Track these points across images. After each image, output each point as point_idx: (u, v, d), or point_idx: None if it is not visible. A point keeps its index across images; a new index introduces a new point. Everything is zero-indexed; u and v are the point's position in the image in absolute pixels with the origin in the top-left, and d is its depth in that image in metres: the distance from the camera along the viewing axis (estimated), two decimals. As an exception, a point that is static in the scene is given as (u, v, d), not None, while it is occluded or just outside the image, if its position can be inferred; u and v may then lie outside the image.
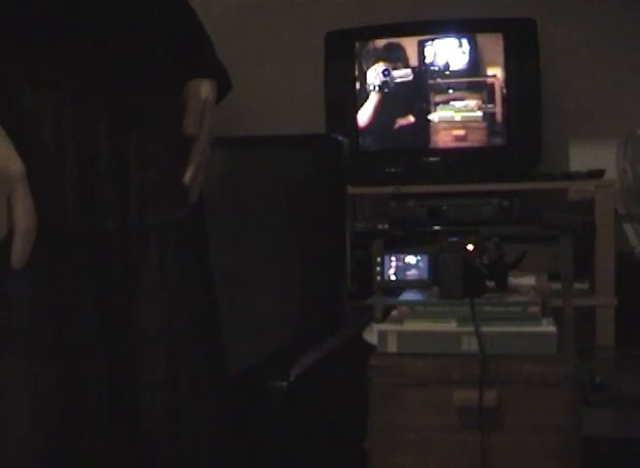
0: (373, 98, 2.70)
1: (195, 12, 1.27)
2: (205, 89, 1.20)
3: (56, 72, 1.03)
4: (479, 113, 2.63)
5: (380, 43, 2.69)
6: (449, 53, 2.65)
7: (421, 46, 2.66)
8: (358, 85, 2.69)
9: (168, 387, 1.10)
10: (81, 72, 1.04)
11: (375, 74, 2.69)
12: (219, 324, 1.21)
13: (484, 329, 1.56)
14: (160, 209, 1.11)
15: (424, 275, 1.62)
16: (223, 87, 1.26)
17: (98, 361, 1.05)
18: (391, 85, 2.69)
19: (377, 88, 2.69)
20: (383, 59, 2.68)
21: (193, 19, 1.26)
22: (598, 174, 2.56)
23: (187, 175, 1.15)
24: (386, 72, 2.68)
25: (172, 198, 1.13)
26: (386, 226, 2.60)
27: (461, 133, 2.65)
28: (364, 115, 2.70)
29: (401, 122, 2.70)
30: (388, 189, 2.61)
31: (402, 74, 2.68)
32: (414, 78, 2.67)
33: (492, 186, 2.55)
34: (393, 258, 1.63)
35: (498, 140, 2.64)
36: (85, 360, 1.04)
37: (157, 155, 1.11)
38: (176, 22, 1.21)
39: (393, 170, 2.64)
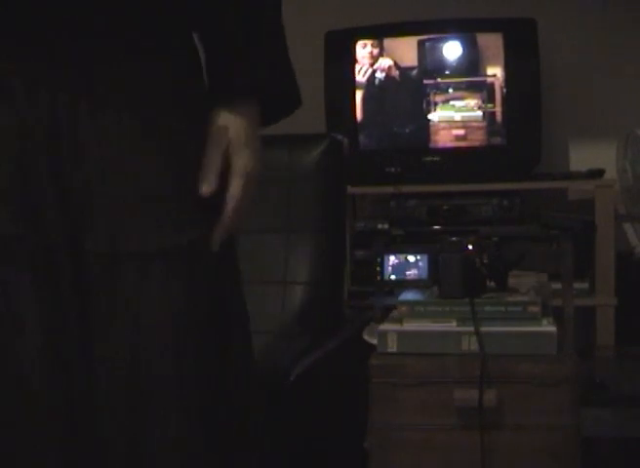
0: (373, 98, 2.70)
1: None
2: (229, 123, 1.03)
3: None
4: (479, 113, 2.63)
5: (380, 43, 2.69)
6: (449, 52, 2.65)
7: (421, 46, 2.66)
8: (358, 85, 2.69)
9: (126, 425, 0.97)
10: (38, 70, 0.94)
11: (375, 74, 2.68)
12: (227, 361, 1.05)
13: (484, 328, 1.56)
14: (143, 235, 0.97)
15: (424, 275, 1.62)
16: (290, 102, 1.13)
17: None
18: (391, 84, 2.68)
19: (377, 87, 2.69)
20: (383, 59, 2.68)
21: (254, 26, 1.07)
22: (598, 173, 2.56)
23: (216, 235, 1.04)
24: (387, 72, 2.68)
25: (166, 223, 0.99)
26: (386, 226, 2.60)
27: (461, 132, 2.65)
28: (364, 115, 2.70)
29: (401, 121, 2.69)
30: (388, 189, 2.61)
31: (402, 74, 2.68)
32: (414, 78, 2.67)
33: (492, 186, 2.55)
34: (393, 258, 1.63)
35: (498, 140, 2.64)
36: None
37: (150, 172, 0.98)
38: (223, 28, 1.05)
39: (393, 169, 2.63)
